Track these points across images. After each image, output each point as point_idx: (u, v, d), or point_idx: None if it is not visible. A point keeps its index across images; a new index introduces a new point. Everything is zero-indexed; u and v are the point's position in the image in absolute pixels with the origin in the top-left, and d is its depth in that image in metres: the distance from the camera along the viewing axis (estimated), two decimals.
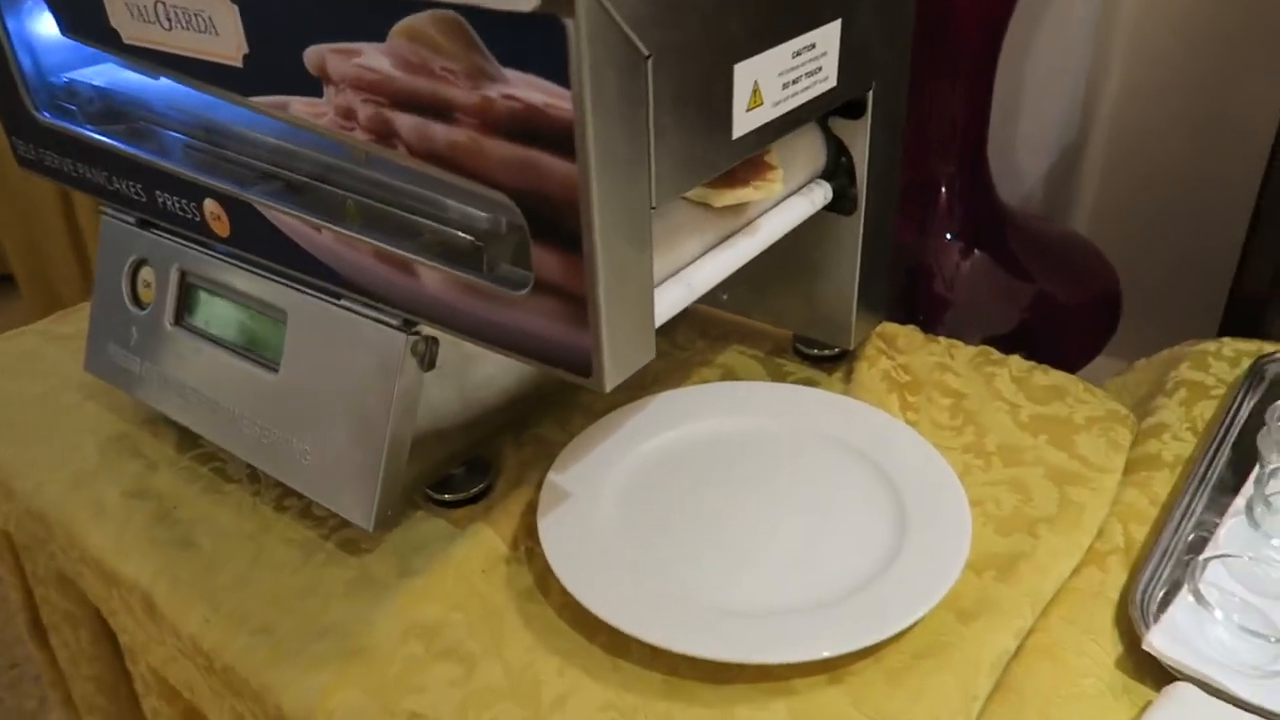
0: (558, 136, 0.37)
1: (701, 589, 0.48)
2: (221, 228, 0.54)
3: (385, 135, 0.42)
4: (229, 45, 0.46)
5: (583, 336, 0.41)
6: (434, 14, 0.37)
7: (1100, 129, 1.02)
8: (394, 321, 0.49)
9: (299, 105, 0.45)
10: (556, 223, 0.39)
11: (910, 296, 0.90)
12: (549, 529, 0.51)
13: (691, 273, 0.47)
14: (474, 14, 0.37)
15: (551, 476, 0.55)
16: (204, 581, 0.52)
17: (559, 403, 0.63)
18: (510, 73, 0.37)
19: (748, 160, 0.50)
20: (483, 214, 0.47)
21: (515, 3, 0.35)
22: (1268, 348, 0.66)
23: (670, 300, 0.45)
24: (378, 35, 0.40)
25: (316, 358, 0.52)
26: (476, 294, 0.44)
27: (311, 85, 0.44)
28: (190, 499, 0.58)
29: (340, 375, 0.51)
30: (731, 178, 0.49)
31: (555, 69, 0.35)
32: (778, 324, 0.68)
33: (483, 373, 0.55)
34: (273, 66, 0.45)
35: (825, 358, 0.66)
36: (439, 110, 0.40)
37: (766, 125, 0.46)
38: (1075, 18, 0.97)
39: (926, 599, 0.46)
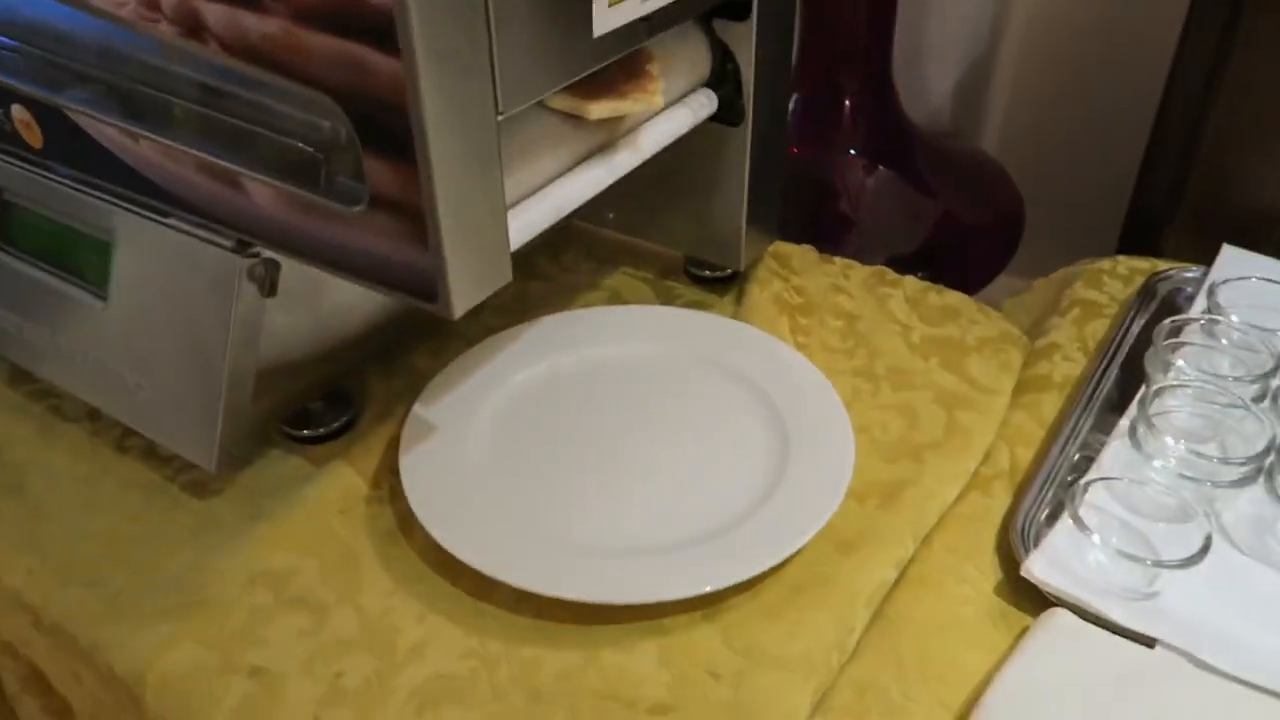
0: (378, 27, 0.32)
1: (571, 527, 0.46)
2: (33, 137, 0.48)
3: (193, 28, 0.37)
4: None
5: (424, 257, 0.37)
6: None
7: (1010, 44, 1.00)
8: (228, 243, 0.44)
9: None
10: (386, 129, 0.34)
11: (813, 215, 0.88)
12: (411, 466, 0.48)
13: (555, 190, 0.43)
14: None
15: (416, 409, 0.51)
16: (31, 529, 0.48)
17: (432, 330, 0.59)
18: None
19: (627, 68, 0.46)
20: (323, 121, 0.42)
21: None
22: (1161, 265, 0.66)
23: (529, 220, 0.41)
24: None
25: (147, 283, 0.47)
26: (311, 211, 0.39)
27: None
28: (20, 440, 0.53)
29: (173, 302, 0.46)
30: (609, 87, 0.45)
31: None
32: (667, 244, 0.65)
33: (340, 297, 0.51)
34: None
35: (716, 279, 0.63)
36: None
37: (633, 24, 0.42)
38: None
39: (802, 532, 0.44)
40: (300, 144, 0.42)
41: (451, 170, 0.35)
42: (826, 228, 0.88)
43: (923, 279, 0.66)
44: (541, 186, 0.43)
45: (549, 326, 0.58)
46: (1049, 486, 0.49)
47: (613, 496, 0.48)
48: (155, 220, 0.46)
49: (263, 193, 0.41)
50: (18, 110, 0.48)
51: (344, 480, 0.49)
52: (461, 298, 0.38)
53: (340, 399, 0.53)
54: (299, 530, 0.47)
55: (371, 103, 0.34)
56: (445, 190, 0.35)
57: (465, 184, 0.36)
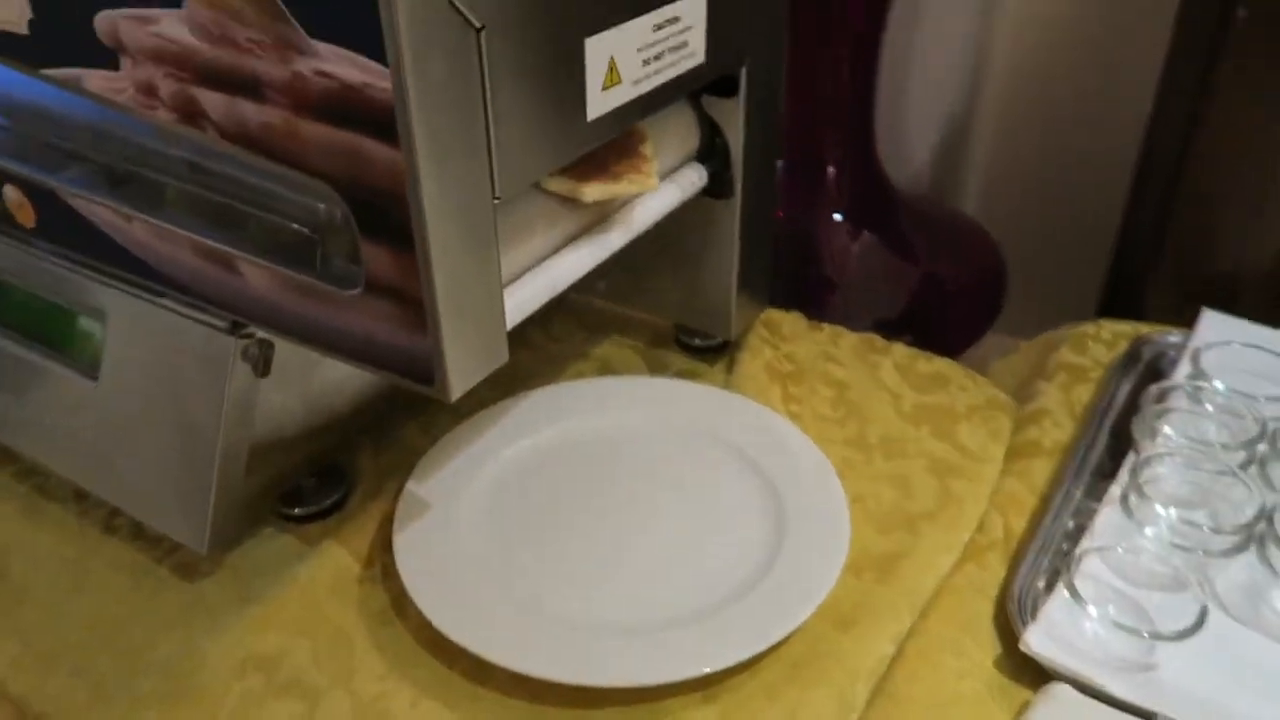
0: (378, 119, 0.32)
1: (568, 606, 0.45)
2: (26, 217, 0.49)
3: (191, 114, 0.37)
4: (11, 8, 0.40)
5: (421, 341, 0.37)
6: None
7: (988, 106, 1.02)
8: (222, 324, 0.44)
9: (95, 79, 0.40)
10: (384, 216, 0.35)
11: (797, 279, 0.88)
12: (404, 544, 0.47)
13: (550, 268, 0.44)
14: None
15: (410, 486, 0.51)
16: (13, 614, 0.47)
17: (422, 405, 0.59)
18: (322, 46, 0.33)
19: (619, 148, 0.47)
20: (319, 204, 0.42)
21: None
22: (1143, 328, 0.67)
23: (524, 298, 0.42)
24: (173, 1, 0.35)
25: (139, 363, 0.47)
26: (306, 294, 0.40)
27: (106, 56, 0.38)
28: (3, 520, 0.52)
29: (166, 383, 0.46)
30: (602, 168, 0.46)
31: (370, 42, 0.31)
32: (658, 313, 0.65)
33: (332, 374, 0.51)
34: (62, 34, 0.39)
35: (707, 348, 0.64)
36: (248, 87, 0.35)
37: (627, 106, 0.42)
38: None
39: (801, 609, 0.44)
40: (296, 225, 0.43)
41: (449, 256, 0.35)
42: (811, 291, 0.88)
43: (909, 343, 0.66)
44: (535, 265, 0.43)
45: (540, 399, 0.58)
46: (1044, 555, 0.49)
47: (608, 573, 0.47)
48: (148, 300, 0.46)
49: (257, 274, 0.41)
50: (10, 191, 0.48)
51: (335, 559, 0.49)
52: (459, 381, 0.38)
53: (333, 475, 0.53)
54: (290, 611, 0.46)
55: (369, 191, 0.34)
56: (443, 276, 0.35)
57: (463, 269, 0.36)
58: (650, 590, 0.46)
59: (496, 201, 0.37)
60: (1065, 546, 0.50)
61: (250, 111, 0.36)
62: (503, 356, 0.40)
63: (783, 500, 0.50)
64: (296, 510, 0.51)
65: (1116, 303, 0.81)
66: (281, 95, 0.34)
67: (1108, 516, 0.50)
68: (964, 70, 1.01)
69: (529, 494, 0.52)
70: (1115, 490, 0.52)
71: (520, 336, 0.67)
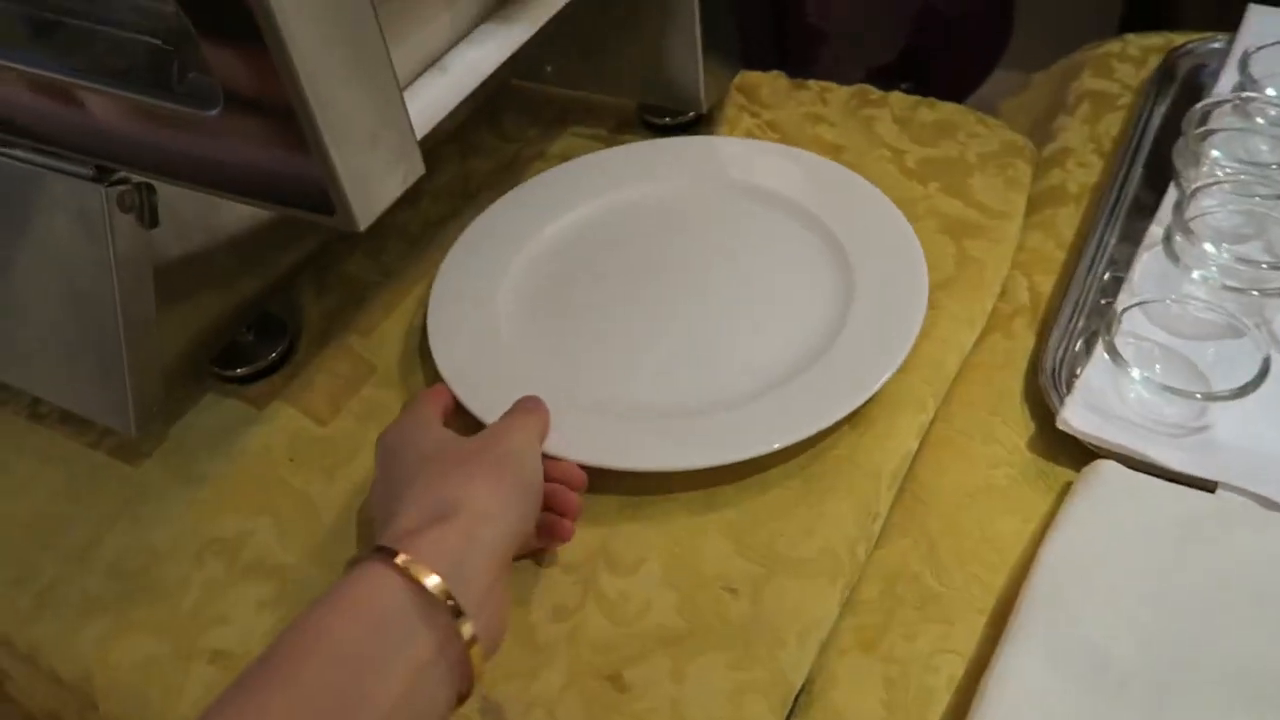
0: None
1: (577, 387, 0.42)
2: None
3: None
4: None
5: (307, 163, 0.30)
6: None
7: None
8: (85, 171, 0.37)
9: None
10: (222, 6, 0.27)
11: (777, 33, 0.78)
12: (438, 334, 0.44)
13: (460, 56, 0.35)
14: None
15: (441, 275, 0.47)
16: None
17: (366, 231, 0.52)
18: None
19: None
20: (167, 5, 0.34)
21: None
22: (1176, 39, 0.58)
23: (434, 97, 0.34)
24: None
25: (10, 230, 0.40)
26: (166, 121, 0.32)
27: None
28: None
29: (45, 249, 0.39)
30: None
31: None
32: (618, 94, 0.57)
33: (240, 209, 0.44)
34: None
35: (678, 125, 0.56)
36: None
37: None
38: None
39: (819, 419, 0.38)
40: (146, 37, 0.34)
41: (315, 51, 0.27)
42: (794, 46, 0.78)
43: (909, 91, 0.58)
44: (442, 54, 0.35)
45: (538, 186, 0.52)
46: (1078, 316, 0.43)
47: (640, 356, 0.44)
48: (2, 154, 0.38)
49: (104, 105, 0.33)
50: None
51: (288, 421, 0.44)
52: (364, 206, 0.31)
53: (272, 326, 0.47)
54: (245, 487, 0.42)
55: None
56: (311, 74, 0.27)
57: (337, 62, 0.28)
58: (684, 373, 0.42)
59: None
60: (1103, 302, 0.44)
61: None
62: (416, 168, 0.33)
63: (850, 264, 0.45)
64: (238, 370, 0.46)
65: (1142, 17, 0.71)
66: None
67: (1148, 264, 0.44)
68: None
69: (566, 274, 0.48)
70: (1156, 231, 0.45)
71: (466, 141, 0.59)
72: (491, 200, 0.51)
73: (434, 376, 0.43)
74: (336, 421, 0.43)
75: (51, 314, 0.40)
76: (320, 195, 0.31)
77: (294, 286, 0.50)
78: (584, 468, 0.37)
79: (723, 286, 0.46)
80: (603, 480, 0.38)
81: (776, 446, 0.38)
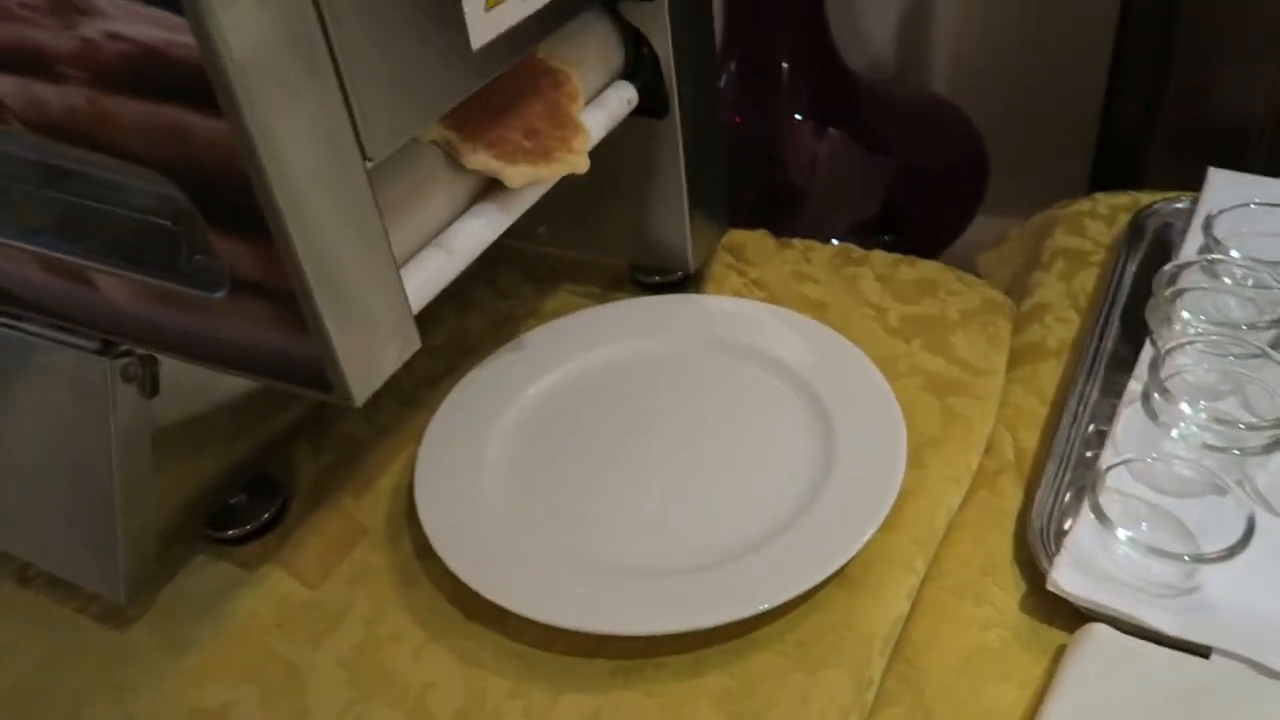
0: (191, 84, 0.26)
1: (586, 550, 0.42)
2: None
3: None
4: None
5: (306, 344, 0.31)
6: None
7: None
8: (91, 344, 0.38)
9: None
10: (227, 200, 0.28)
11: (764, 190, 0.82)
12: (426, 495, 0.44)
13: (456, 234, 0.37)
14: None
15: (431, 430, 0.48)
16: None
17: None
18: (106, 1, 0.26)
19: (546, 110, 0.41)
20: (177, 192, 0.36)
21: None
22: (1143, 199, 0.60)
23: (429, 274, 0.35)
24: None
25: (13, 398, 0.41)
26: (172, 301, 0.33)
27: None
28: None
29: (47, 418, 0.40)
30: (534, 139, 0.40)
31: None
32: (608, 254, 0.59)
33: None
34: None
35: (667, 284, 0.58)
36: (37, 65, 0.28)
37: (521, 28, 0.36)
38: None
39: (812, 573, 0.39)
40: (155, 219, 0.36)
41: (317, 237, 0.29)
42: (779, 202, 0.82)
43: (890, 244, 0.60)
44: (438, 232, 0.37)
45: (558, 330, 0.54)
46: (1064, 471, 0.44)
47: (631, 513, 0.44)
48: (6, 326, 0.40)
49: (114, 285, 0.34)
50: None
51: (278, 585, 0.43)
52: (360, 382, 0.32)
53: (265, 487, 0.47)
54: (231, 654, 0.41)
55: (202, 172, 0.28)
56: (314, 263, 0.29)
57: (339, 250, 0.30)
58: (670, 532, 0.43)
59: (370, 164, 0.30)
60: (1087, 454, 0.44)
61: (51, 95, 0.29)
62: (413, 343, 0.34)
63: (832, 424, 0.46)
64: (229, 532, 0.46)
65: (1110, 173, 0.74)
66: (76, 69, 0.28)
67: (1129, 420, 0.45)
68: None
69: (551, 435, 0.48)
70: (1134, 387, 0.46)
71: (461, 297, 0.61)
72: (486, 355, 0.52)
73: (423, 537, 0.43)
74: (326, 585, 0.43)
75: (50, 483, 0.41)
76: (318, 372, 0.32)
77: (290, 445, 0.50)
78: (572, 632, 0.37)
79: (709, 444, 0.47)
80: (593, 644, 0.38)
81: (764, 608, 0.38)
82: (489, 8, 0.34)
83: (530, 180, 0.39)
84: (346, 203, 0.30)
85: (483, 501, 0.44)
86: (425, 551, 0.43)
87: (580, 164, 0.41)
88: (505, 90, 0.40)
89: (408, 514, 0.46)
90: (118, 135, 0.29)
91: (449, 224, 0.37)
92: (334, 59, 0.28)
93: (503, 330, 0.57)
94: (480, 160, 0.37)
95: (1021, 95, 0.94)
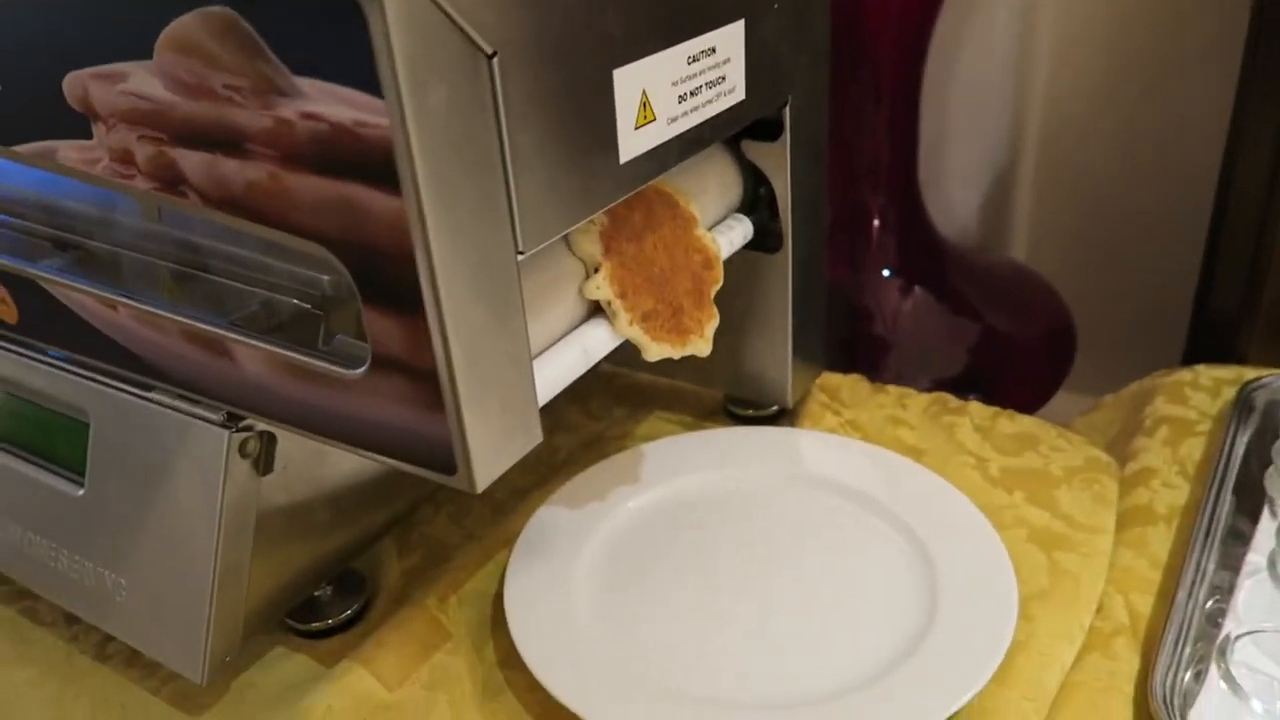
0: (375, 163, 0.27)
1: (682, 680, 0.40)
2: (8, 312, 0.44)
3: (170, 181, 0.33)
4: None
5: (440, 424, 0.31)
6: (204, 14, 0.28)
7: (1030, 153, 0.97)
8: (215, 416, 0.39)
9: (67, 151, 0.35)
10: (389, 278, 0.29)
11: (849, 341, 0.82)
12: (516, 610, 0.43)
13: (584, 333, 0.38)
14: (253, 7, 0.28)
15: (520, 545, 0.47)
16: None
17: (450, 495, 0.53)
18: (308, 84, 0.28)
19: (693, 288, 0.43)
20: (321, 275, 0.38)
21: None
22: (1248, 373, 0.59)
23: (558, 370, 0.36)
24: (143, 50, 0.30)
25: (127, 467, 0.42)
26: (308, 377, 0.34)
27: (77, 123, 0.34)
28: None
29: (156, 487, 0.41)
30: (676, 315, 0.42)
31: (361, 72, 0.26)
32: (704, 384, 0.59)
33: (343, 466, 0.45)
34: (29, 103, 0.35)
35: (760, 419, 0.58)
36: (229, 143, 0.30)
37: (663, 147, 0.37)
38: (996, 43, 0.91)
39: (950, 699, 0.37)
40: (296, 301, 0.38)
41: (467, 321, 0.30)
42: (864, 353, 0.82)
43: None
44: (568, 332, 0.38)
45: (656, 451, 0.53)
46: (1183, 643, 0.42)
47: (731, 643, 0.42)
48: (135, 395, 0.41)
49: (253, 358, 0.35)
50: None
51: (357, 683, 0.42)
52: (484, 469, 0.32)
53: (351, 583, 0.47)
54: None
55: (370, 249, 0.29)
56: (461, 345, 0.30)
57: (483, 337, 0.31)
58: (758, 665, 0.41)
59: (520, 257, 0.31)
60: (1210, 629, 0.42)
61: (233, 170, 0.31)
62: (535, 437, 0.34)
63: (936, 570, 0.44)
64: (311, 625, 0.45)
65: (1205, 350, 0.73)
66: (266, 147, 0.30)
67: (1251, 591, 0.43)
68: (1003, 116, 0.96)
69: (644, 555, 0.47)
70: (1255, 559, 0.44)
71: (554, 416, 0.61)
72: (575, 473, 0.52)
73: (508, 646, 0.42)
74: (405, 688, 0.42)
75: (148, 554, 0.41)
76: (446, 456, 0.32)
77: (376, 546, 0.50)
78: None
79: (802, 579, 0.45)
80: None
81: None
82: (638, 126, 0.36)
83: (663, 356, 0.41)
84: (496, 290, 0.31)
85: (571, 616, 0.43)
86: (509, 661, 0.42)
87: (705, 349, 0.44)
88: (658, 260, 0.42)
89: (493, 622, 0.45)
90: (292, 210, 0.30)
91: (576, 326, 0.38)
92: (503, 156, 0.30)
93: (593, 450, 0.57)
94: (632, 331, 0.40)
95: (1106, 270, 0.95)
